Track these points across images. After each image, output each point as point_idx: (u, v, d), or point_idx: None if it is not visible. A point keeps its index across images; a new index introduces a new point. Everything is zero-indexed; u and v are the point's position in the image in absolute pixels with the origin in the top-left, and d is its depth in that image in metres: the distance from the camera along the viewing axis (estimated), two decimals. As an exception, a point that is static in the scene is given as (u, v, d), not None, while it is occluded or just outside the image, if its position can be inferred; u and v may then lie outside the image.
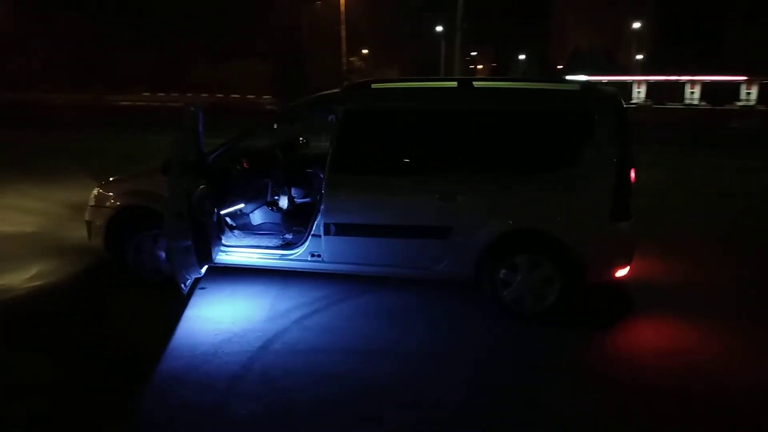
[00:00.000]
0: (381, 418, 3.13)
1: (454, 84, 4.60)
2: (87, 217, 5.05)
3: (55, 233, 6.36)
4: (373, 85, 4.76)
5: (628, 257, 4.26)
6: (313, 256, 4.61)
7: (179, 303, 4.52)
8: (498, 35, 59.72)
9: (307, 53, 33.07)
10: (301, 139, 6.29)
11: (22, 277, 5.08)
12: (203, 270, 4.50)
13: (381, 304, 4.62)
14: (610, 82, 54.19)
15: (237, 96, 36.80)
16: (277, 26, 36.29)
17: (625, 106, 4.22)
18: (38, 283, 5.01)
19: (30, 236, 6.26)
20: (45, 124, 19.08)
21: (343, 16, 31.80)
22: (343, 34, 32.15)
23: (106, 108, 25.81)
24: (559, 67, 62.53)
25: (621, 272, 4.27)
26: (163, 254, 4.75)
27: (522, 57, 66.28)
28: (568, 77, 56.87)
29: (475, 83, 4.56)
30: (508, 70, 63.16)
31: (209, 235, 4.55)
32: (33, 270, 5.27)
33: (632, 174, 4.12)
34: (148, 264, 4.85)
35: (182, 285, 4.32)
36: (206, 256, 4.50)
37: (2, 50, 38.80)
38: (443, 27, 41.38)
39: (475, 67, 69.70)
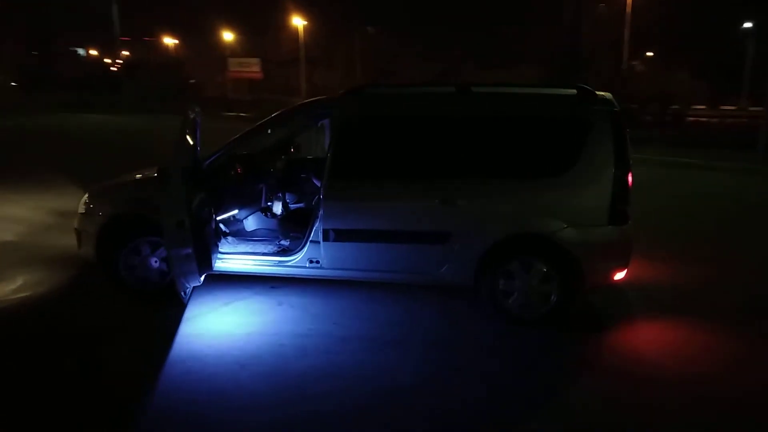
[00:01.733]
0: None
1: (452, 89, 4.69)
2: (76, 225, 5.02)
3: (41, 242, 6.32)
4: (369, 91, 4.89)
5: (625, 260, 4.43)
6: (311, 262, 4.67)
7: (172, 314, 4.51)
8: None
9: (585, 58, 31.42)
10: (294, 143, 6.28)
11: (7, 288, 5.00)
12: (202, 278, 4.50)
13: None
14: None
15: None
16: (554, 31, 35.38)
17: (620, 110, 4.37)
18: (25, 294, 4.93)
19: (14, 245, 6.20)
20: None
21: (628, 17, 29.43)
22: (626, 36, 29.73)
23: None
24: None
25: (619, 275, 4.45)
26: (155, 263, 4.79)
27: None
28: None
29: (473, 89, 4.66)
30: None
31: (209, 242, 4.60)
32: (19, 280, 5.17)
33: (629, 178, 4.28)
34: (140, 273, 4.83)
35: (182, 293, 4.35)
36: (206, 264, 4.54)
37: (315, 64, 45.54)
38: (755, 24, 35.29)
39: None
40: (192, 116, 4.47)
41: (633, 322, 4.68)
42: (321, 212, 4.54)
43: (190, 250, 4.16)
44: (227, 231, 5.27)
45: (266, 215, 5.67)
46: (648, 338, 4.37)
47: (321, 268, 4.68)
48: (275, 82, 42.85)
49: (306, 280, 4.92)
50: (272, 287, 5.11)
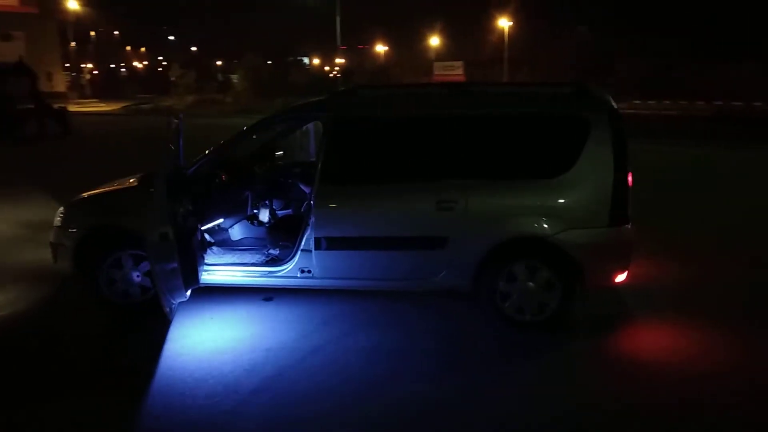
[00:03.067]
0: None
1: (445, 89, 4.62)
2: (52, 238, 4.83)
3: (9, 257, 6.03)
4: (360, 92, 4.80)
5: (626, 262, 4.40)
6: (303, 272, 4.53)
7: (157, 330, 4.32)
8: None
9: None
10: (279, 149, 6.08)
11: None
12: (188, 293, 4.31)
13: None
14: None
15: (739, 104, 32.05)
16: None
17: (618, 109, 4.34)
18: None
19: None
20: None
21: None
22: None
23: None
24: None
25: (620, 277, 4.43)
26: (137, 278, 4.61)
27: None
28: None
29: (467, 89, 4.63)
30: None
31: (195, 255, 4.40)
32: None
33: (629, 178, 4.26)
34: (120, 288, 4.64)
35: (167, 310, 4.14)
36: (193, 278, 4.35)
37: (519, 65, 44.69)
38: None
39: None
40: (174, 124, 4.37)
41: (634, 323, 4.69)
42: (312, 219, 4.42)
43: (175, 264, 4.01)
44: (212, 241, 5.15)
45: (253, 223, 5.51)
46: (650, 338, 4.39)
47: (313, 277, 4.56)
48: (476, 84, 43.14)
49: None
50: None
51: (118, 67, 74.16)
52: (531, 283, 4.34)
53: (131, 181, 4.98)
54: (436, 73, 46.09)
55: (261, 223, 5.48)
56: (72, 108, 26.86)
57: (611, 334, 4.43)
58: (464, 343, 4.31)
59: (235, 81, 46.39)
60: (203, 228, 4.90)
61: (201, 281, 4.55)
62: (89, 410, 3.41)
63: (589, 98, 4.42)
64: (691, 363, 3.93)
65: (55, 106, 22.30)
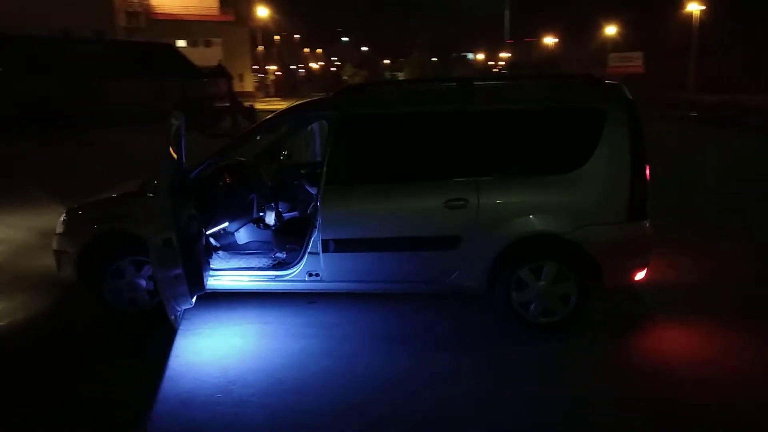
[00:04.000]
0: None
1: (454, 84, 4.51)
2: (55, 246, 4.74)
3: (19, 264, 5.98)
4: (369, 88, 4.73)
5: (646, 259, 4.29)
6: (310, 275, 4.42)
7: (164, 340, 4.22)
8: None
9: None
10: (285, 149, 5.94)
11: None
12: (194, 300, 4.21)
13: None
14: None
15: None
16: None
17: (634, 100, 4.20)
18: (1, 323, 4.64)
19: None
20: (739, 125, 20.08)
21: None
22: None
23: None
24: None
25: (639, 275, 4.31)
26: (143, 284, 4.55)
27: None
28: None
29: (477, 83, 4.51)
30: None
31: (200, 260, 4.29)
32: None
33: (647, 171, 4.14)
34: (125, 295, 4.57)
35: (172, 317, 4.06)
36: (198, 284, 4.23)
37: (710, 54, 40.29)
38: None
39: None
40: (175, 125, 4.24)
41: (644, 323, 4.53)
42: (319, 221, 4.29)
43: (179, 271, 3.91)
44: (218, 245, 5.08)
45: (259, 226, 5.39)
46: (664, 340, 4.24)
47: (321, 281, 4.45)
48: (655, 76, 39.59)
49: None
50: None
51: (297, 67, 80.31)
52: (547, 283, 4.21)
53: (134, 185, 4.93)
54: (611, 65, 43.20)
55: (267, 226, 5.38)
56: (258, 105, 29.65)
57: (628, 334, 4.30)
58: (470, 344, 4.22)
59: (402, 78, 47.81)
60: (208, 232, 4.81)
61: (207, 287, 4.44)
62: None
63: (603, 89, 4.34)
64: (708, 367, 3.78)
65: (245, 104, 24.81)
